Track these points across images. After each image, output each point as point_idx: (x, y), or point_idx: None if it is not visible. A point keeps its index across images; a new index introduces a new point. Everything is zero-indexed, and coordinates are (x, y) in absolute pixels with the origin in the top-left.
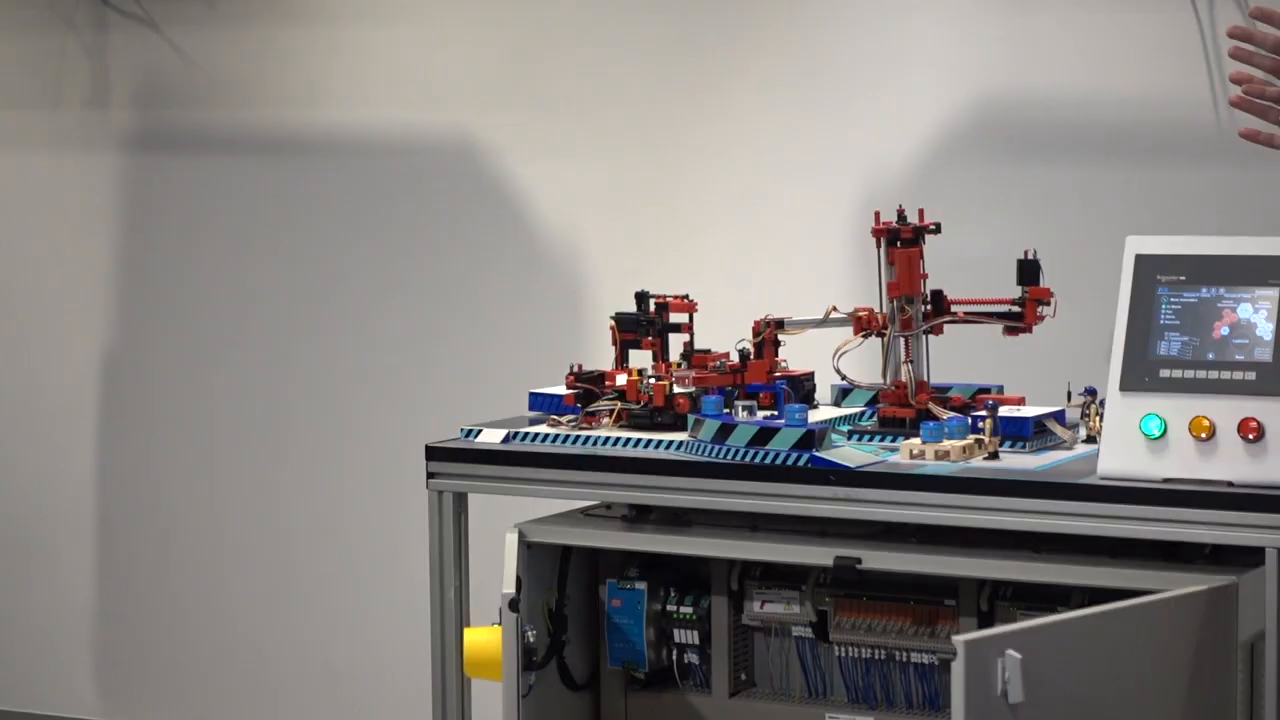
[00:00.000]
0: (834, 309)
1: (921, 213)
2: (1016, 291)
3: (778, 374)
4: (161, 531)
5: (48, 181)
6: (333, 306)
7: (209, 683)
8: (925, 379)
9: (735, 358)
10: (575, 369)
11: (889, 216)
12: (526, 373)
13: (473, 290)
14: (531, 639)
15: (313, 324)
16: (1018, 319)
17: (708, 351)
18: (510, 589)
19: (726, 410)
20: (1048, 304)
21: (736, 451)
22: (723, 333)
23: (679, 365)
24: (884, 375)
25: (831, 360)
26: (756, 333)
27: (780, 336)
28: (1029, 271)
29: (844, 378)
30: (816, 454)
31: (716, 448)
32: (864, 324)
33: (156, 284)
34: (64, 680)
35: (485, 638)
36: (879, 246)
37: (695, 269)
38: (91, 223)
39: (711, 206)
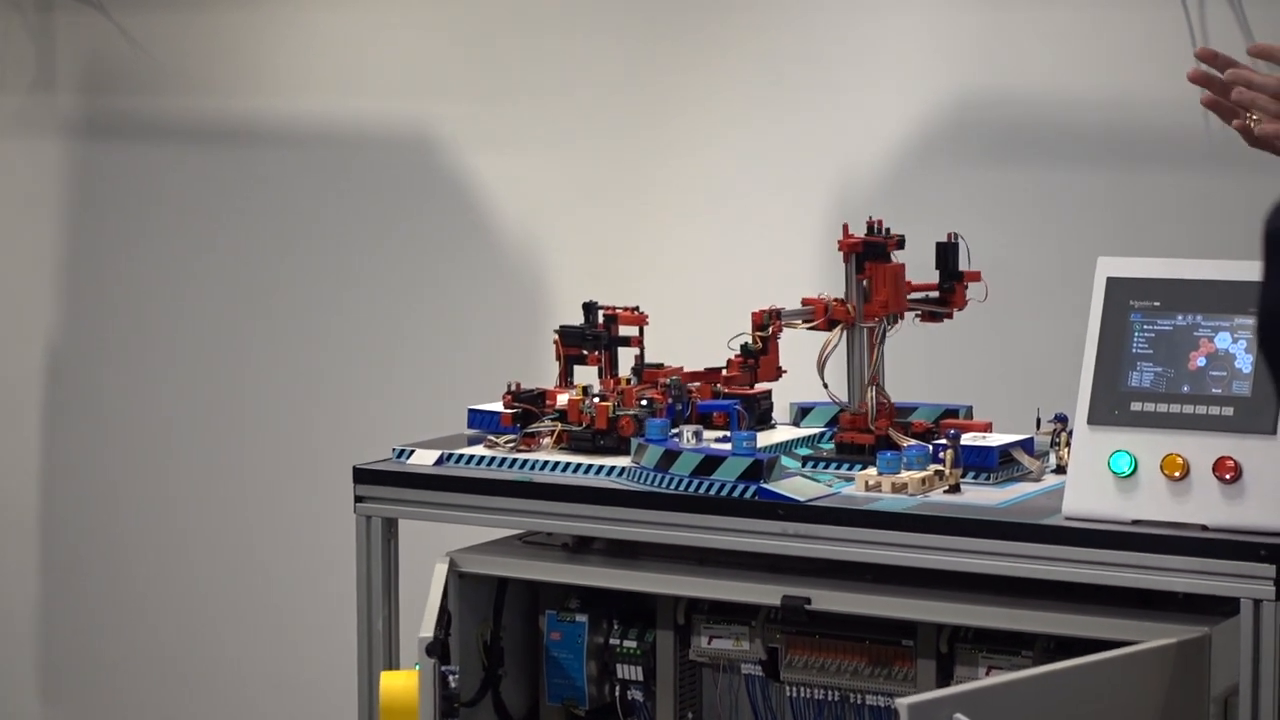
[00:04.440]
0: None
1: (880, 223)
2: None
3: (730, 392)
4: (108, 532)
5: None
6: (280, 302)
7: (157, 691)
8: (886, 400)
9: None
10: (513, 387)
11: (856, 226)
12: (480, 381)
13: (424, 292)
14: (454, 684)
15: (259, 319)
16: (942, 304)
17: (660, 366)
18: (428, 632)
19: (673, 434)
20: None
21: (680, 481)
22: (687, 338)
23: (628, 381)
24: (848, 391)
25: (817, 367)
26: (760, 325)
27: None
28: (949, 256)
29: (826, 386)
30: (764, 485)
31: (659, 476)
32: (836, 313)
33: (102, 274)
34: (4, 689)
35: (402, 683)
36: (848, 262)
37: (659, 272)
38: (35, 210)
39: (678, 205)
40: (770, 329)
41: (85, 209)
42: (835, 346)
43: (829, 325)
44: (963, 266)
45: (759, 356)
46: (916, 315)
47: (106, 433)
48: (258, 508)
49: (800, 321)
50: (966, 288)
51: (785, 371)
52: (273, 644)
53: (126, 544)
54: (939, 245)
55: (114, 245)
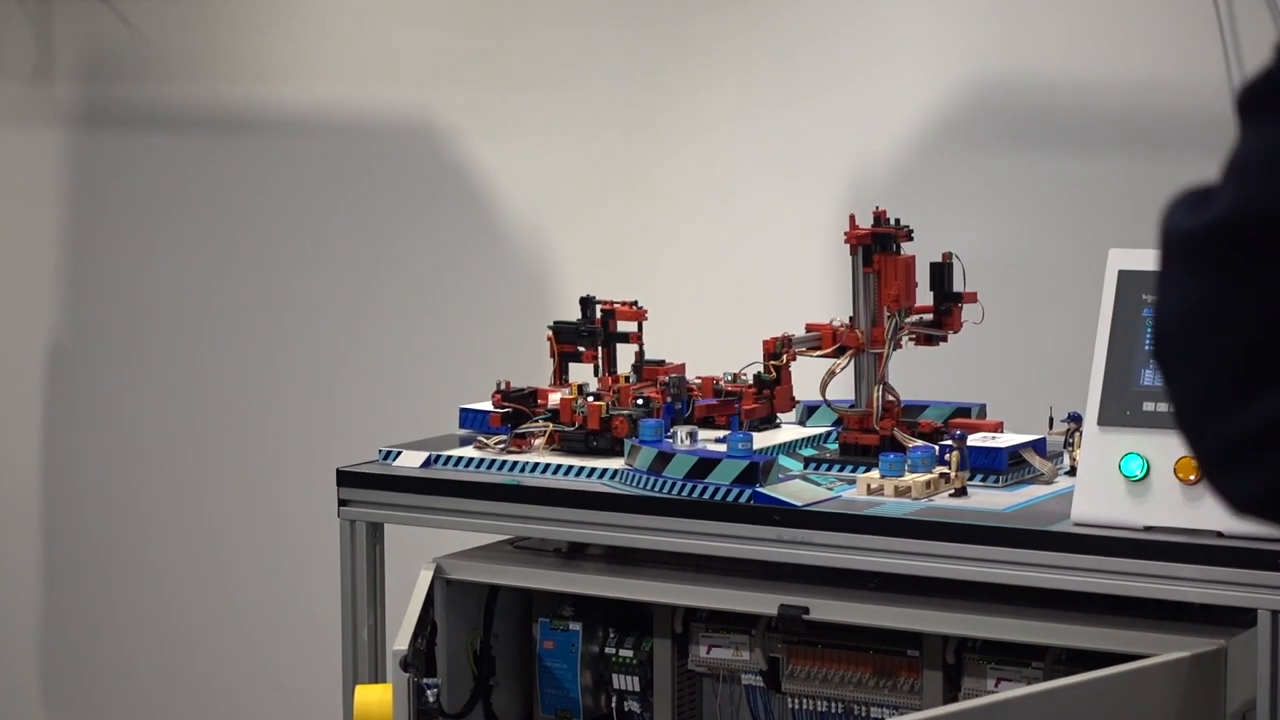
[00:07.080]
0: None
1: (886, 214)
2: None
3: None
4: (111, 534)
5: None
6: (278, 293)
7: (154, 695)
8: (894, 398)
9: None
10: (503, 386)
11: (864, 219)
12: (480, 378)
13: (425, 285)
14: (432, 698)
15: (257, 310)
16: (937, 326)
17: (662, 363)
18: (402, 644)
19: (668, 436)
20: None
21: (673, 484)
22: (696, 333)
23: (626, 379)
24: (856, 394)
25: (820, 390)
26: (771, 353)
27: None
28: (944, 276)
29: (829, 404)
30: (760, 490)
31: (652, 479)
32: (845, 340)
33: (102, 266)
34: (7, 692)
35: (377, 698)
36: (855, 255)
37: (667, 264)
38: (35, 203)
39: (686, 195)
40: (784, 357)
41: (85, 199)
42: (842, 370)
43: (837, 352)
44: (958, 287)
45: (773, 387)
46: (911, 339)
47: (106, 427)
48: (248, 508)
49: (807, 349)
50: (962, 309)
51: (799, 402)
52: (261, 650)
53: (130, 548)
54: (933, 265)
55: (114, 236)
